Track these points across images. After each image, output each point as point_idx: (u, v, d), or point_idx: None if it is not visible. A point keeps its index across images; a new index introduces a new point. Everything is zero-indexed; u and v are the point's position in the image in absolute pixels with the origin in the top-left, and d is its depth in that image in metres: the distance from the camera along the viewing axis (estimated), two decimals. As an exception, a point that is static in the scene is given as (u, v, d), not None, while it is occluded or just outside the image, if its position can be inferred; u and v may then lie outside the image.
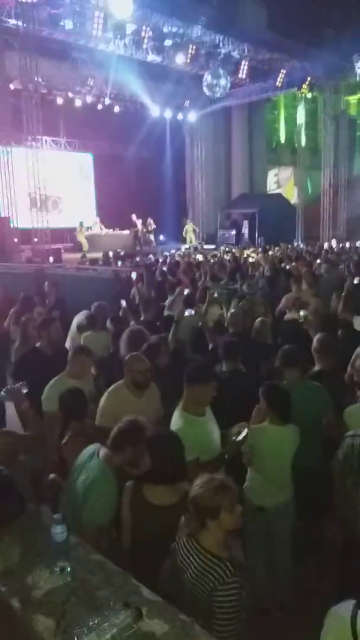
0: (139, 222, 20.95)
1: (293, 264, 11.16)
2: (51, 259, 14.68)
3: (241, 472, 3.32)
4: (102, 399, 3.63)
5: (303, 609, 3.10)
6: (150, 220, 21.80)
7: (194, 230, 23.70)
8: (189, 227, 23.57)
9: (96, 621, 1.82)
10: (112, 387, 3.72)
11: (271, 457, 3.25)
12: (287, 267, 10.16)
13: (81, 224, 18.86)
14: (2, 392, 3.30)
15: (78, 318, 5.93)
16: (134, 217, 20.88)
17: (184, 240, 23.12)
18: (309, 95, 24.10)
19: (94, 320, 5.64)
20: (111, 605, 1.88)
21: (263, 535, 3.34)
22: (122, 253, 15.24)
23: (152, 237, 22.09)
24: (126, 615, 1.82)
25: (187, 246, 20.78)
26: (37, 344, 4.65)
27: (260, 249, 15.70)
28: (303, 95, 23.07)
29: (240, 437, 3.04)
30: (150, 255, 14.74)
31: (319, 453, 3.54)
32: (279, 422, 3.25)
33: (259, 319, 5.74)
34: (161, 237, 23.12)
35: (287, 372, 3.81)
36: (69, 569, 2.09)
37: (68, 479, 2.81)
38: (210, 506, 2.15)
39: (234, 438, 3.06)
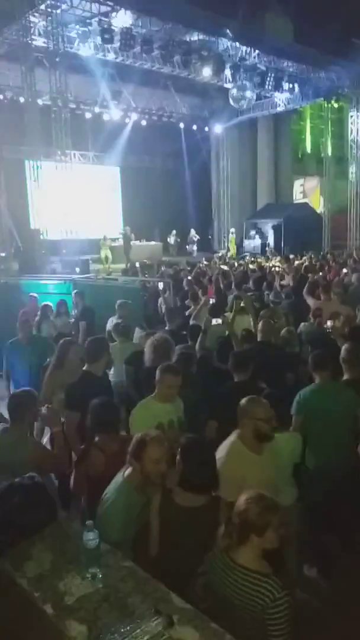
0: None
1: (320, 273, 11.06)
2: (77, 269, 14.91)
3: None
4: (219, 465, 2.81)
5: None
6: (193, 231, 23.24)
7: (235, 241, 24.04)
8: (232, 238, 24.03)
9: (128, 628, 1.83)
10: (225, 447, 2.98)
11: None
12: (315, 276, 10.07)
13: (104, 237, 19.07)
14: (43, 411, 3.28)
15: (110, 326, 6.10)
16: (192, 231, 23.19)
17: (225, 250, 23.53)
18: (336, 105, 23.99)
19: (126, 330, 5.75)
20: (143, 612, 1.89)
21: None
22: (148, 263, 15.37)
23: (194, 247, 23.04)
24: (157, 623, 1.83)
25: (220, 255, 20.94)
26: (85, 367, 4.33)
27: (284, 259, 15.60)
28: (329, 105, 23.01)
29: None
30: (175, 266, 14.81)
31: (351, 452, 3.56)
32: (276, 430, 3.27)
33: (286, 328, 5.72)
34: (187, 248, 23.29)
35: (318, 376, 3.86)
36: (100, 576, 2.11)
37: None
38: (259, 524, 2.14)
39: None
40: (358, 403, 3.73)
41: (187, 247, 23.17)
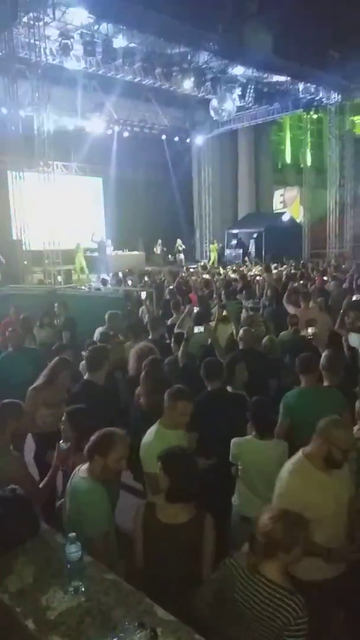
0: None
1: (301, 282, 11.19)
2: (59, 278, 14.85)
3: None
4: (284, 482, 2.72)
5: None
6: (179, 241, 23.48)
7: (217, 250, 24.17)
8: (213, 247, 24.20)
9: (111, 642, 1.81)
10: (291, 465, 2.80)
11: (254, 470, 3.31)
12: (295, 284, 10.20)
13: (78, 246, 19.05)
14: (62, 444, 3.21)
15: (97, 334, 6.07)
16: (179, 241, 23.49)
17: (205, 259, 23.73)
18: (315, 116, 24.44)
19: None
20: (126, 625, 1.87)
21: None
22: (127, 271, 15.40)
23: (182, 256, 23.19)
24: (141, 636, 1.81)
25: (202, 264, 21.07)
26: (86, 376, 4.35)
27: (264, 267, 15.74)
28: (309, 116, 23.44)
29: None
30: (161, 275, 14.85)
31: None
32: (259, 436, 3.35)
33: (267, 336, 5.78)
34: (170, 257, 23.39)
35: (304, 379, 3.92)
36: (83, 589, 2.09)
37: (63, 503, 2.89)
38: (286, 542, 2.10)
39: None
40: (342, 405, 3.75)
41: (173, 256, 23.28)
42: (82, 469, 2.78)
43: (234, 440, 3.44)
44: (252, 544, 2.18)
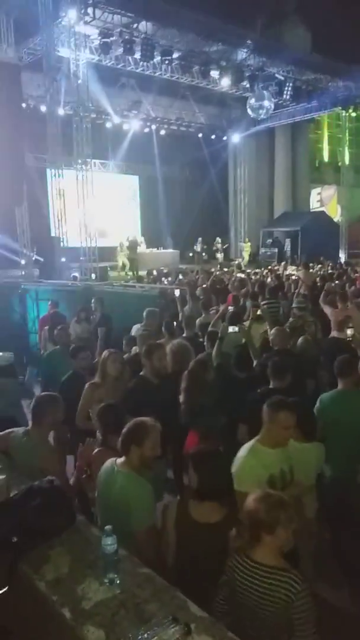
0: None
1: (337, 282, 10.97)
2: (93, 275, 15.03)
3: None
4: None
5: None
6: (218, 239, 23.31)
7: (249, 249, 24.00)
8: (246, 245, 23.94)
9: (145, 635, 1.83)
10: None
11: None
12: (332, 284, 10.00)
13: (121, 245, 19.29)
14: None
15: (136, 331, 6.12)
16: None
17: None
18: (354, 114, 23.92)
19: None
20: (160, 619, 1.89)
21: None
22: (165, 271, 15.42)
23: (220, 255, 23.03)
24: (175, 631, 1.82)
25: (237, 263, 20.92)
26: (142, 372, 4.27)
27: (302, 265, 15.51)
28: (347, 114, 22.95)
29: None
30: (194, 273, 14.84)
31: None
32: (303, 439, 3.25)
33: (303, 337, 5.69)
34: (204, 256, 23.32)
35: (342, 382, 3.85)
36: (118, 582, 2.11)
37: (97, 494, 2.89)
38: (268, 521, 2.15)
39: None
40: None
41: (210, 255, 23.16)
42: (119, 463, 2.79)
43: None
44: (238, 528, 2.26)
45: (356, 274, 13.09)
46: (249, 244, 24.00)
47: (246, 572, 2.18)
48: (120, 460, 2.79)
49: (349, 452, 3.57)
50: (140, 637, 1.83)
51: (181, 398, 4.08)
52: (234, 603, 2.24)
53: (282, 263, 19.23)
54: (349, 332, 5.67)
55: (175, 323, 6.51)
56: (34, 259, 15.81)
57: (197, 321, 6.95)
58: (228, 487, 2.60)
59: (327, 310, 6.93)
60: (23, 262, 15.68)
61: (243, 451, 2.96)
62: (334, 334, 6.16)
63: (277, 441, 2.93)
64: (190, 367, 4.15)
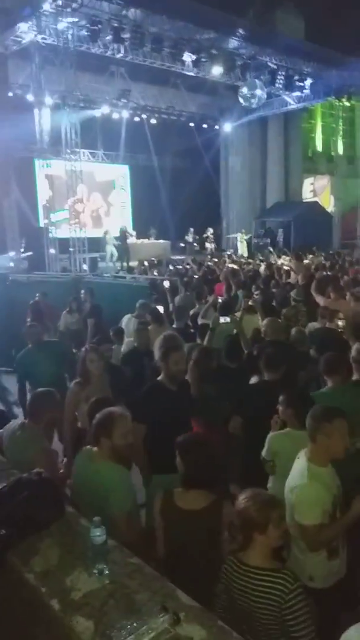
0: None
1: (328, 272, 10.99)
2: (84, 266, 14.97)
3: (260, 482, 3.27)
4: None
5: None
6: (210, 230, 23.12)
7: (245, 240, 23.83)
8: (242, 236, 23.68)
9: (134, 624, 1.82)
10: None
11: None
12: (324, 273, 10.02)
13: (106, 233, 19.09)
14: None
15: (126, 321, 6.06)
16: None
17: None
18: (347, 104, 23.85)
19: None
20: (149, 609, 1.88)
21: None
22: (156, 262, 15.38)
23: (211, 245, 22.95)
24: (164, 620, 1.82)
25: (229, 253, 20.85)
26: (160, 377, 3.79)
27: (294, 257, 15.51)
28: (341, 104, 22.86)
29: None
30: (185, 264, 14.81)
31: None
32: (300, 427, 3.17)
33: (296, 327, 5.70)
34: (196, 246, 23.26)
35: (330, 380, 3.79)
36: (107, 572, 2.11)
37: (74, 484, 2.92)
38: (259, 520, 2.13)
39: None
40: None
41: (201, 245, 23.05)
42: (93, 455, 2.81)
43: (272, 435, 3.28)
44: (229, 529, 2.25)
45: (351, 266, 13.10)
46: (243, 234, 23.76)
47: (241, 577, 2.17)
48: (93, 451, 2.83)
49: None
50: (129, 626, 1.82)
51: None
52: (233, 610, 2.22)
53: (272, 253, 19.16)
54: (340, 322, 5.67)
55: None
56: (22, 250, 15.67)
57: (192, 311, 6.95)
58: (214, 475, 2.61)
59: (319, 299, 6.92)
60: (12, 254, 15.55)
61: (300, 479, 2.62)
62: (324, 323, 6.14)
63: (334, 454, 2.64)
64: (195, 357, 4.12)
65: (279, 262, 14.87)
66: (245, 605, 2.14)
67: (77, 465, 2.92)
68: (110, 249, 18.78)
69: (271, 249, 19.22)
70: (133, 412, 3.36)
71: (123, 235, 19.07)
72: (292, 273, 10.74)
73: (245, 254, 21.42)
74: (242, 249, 22.83)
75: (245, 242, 23.36)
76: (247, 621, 2.15)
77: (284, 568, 2.18)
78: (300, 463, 2.69)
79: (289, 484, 2.68)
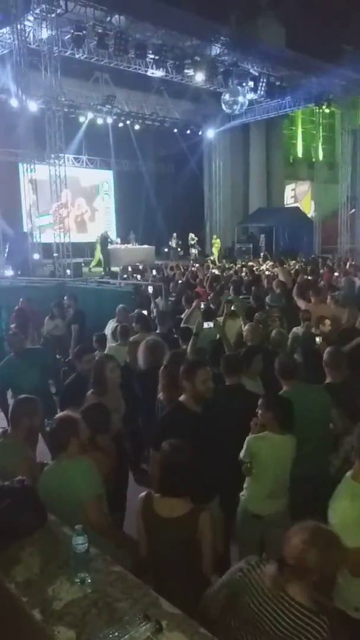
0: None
1: (309, 277, 11.09)
2: (68, 271, 14.89)
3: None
4: None
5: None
6: (192, 235, 23.13)
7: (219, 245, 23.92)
8: (215, 241, 23.81)
9: (116, 633, 1.81)
10: None
11: (272, 466, 3.26)
12: (305, 277, 10.11)
13: (97, 239, 19.16)
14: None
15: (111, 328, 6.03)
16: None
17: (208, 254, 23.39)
18: (327, 111, 24.20)
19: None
20: (131, 617, 1.88)
21: (257, 543, 3.35)
22: (140, 267, 15.38)
23: (195, 250, 22.94)
24: (146, 628, 1.82)
25: (212, 258, 20.94)
26: (181, 398, 3.42)
27: (277, 262, 15.64)
28: (321, 110, 23.20)
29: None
30: (168, 269, 14.83)
31: (324, 460, 3.53)
32: (279, 431, 3.28)
33: (276, 329, 5.74)
34: (180, 251, 23.33)
35: (285, 384, 3.83)
36: (89, 581, 2.10)
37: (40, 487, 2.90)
38: (319, 566, 1.94)
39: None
40: (326, 404, 3.69)
41: (185, 250, 23.11)
42: (60, 459, 2.89)
43: (251, 438, 3.30)
44: (280, 565, 2.02)
45: (326, 269, 13.24)
46: (217, 240, 23.75)
47: (273, 600, 2.02)
48: (62, 455, 2.90)
49: (305, 450, 3.46)
50: (111, 635, 1.82)
51: (160, 395, 4.08)
52: (238, 616, 2.14)
53: (258, 259, 19.32)
54: (322, 327, 5.71)
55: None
56: (5, 256, 15.55)
57: (183, 315, 6.92)
58: (191, 483, 2.57)
59: (301, 303, 6.99)
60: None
61: (341, 499, 2.46)
62: (308, 326, 6.18)
63: None
64: (166, 362, 4.15)
65: (262, 267, 15.00)
66: (268, 628, 2.01)
67: (45, 472, 2.96)
68: (99, 255, 18.78)
69: (267, 254, 19.43)
70: (152, 440, 3.19)
71: (104, 240, 19.06)
72: (277, 278, 10.83)
73: (218, 259, 21.40)
74: (215, 254, 22.84)
75: (217, 247, 23.39)
76: (257, 636, 2.06)
77: (324, 608, 2.01)
78: (344, 482, 2.53)
79: (330, 505, 2.49)
